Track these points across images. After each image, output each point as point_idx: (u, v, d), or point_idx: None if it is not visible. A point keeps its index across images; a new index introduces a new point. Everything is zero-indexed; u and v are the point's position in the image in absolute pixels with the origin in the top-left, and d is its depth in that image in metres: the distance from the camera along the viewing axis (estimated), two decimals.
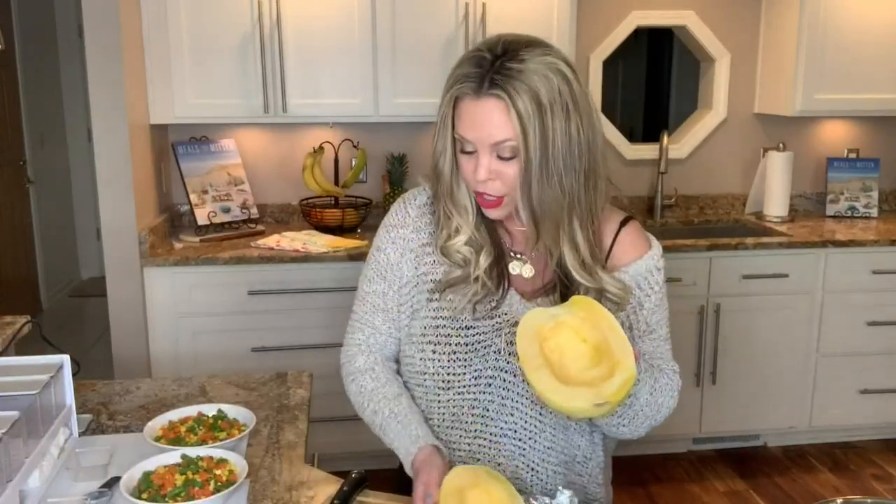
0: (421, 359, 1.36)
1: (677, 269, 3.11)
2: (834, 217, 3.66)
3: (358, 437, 3.18)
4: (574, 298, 1.22)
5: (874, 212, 3.65)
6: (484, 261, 1.31)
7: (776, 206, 3.53)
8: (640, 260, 1.35)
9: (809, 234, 3.31)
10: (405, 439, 1.31)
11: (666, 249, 3.25)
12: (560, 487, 1.22)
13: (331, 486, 1.32)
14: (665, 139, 3.56)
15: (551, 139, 1.18)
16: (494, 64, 1.18)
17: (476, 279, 1.31)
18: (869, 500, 1.67)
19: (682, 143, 3.68)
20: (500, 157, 1.21)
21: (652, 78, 6.31)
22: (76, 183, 5.87)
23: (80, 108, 5.61)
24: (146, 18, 2.93)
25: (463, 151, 1.25)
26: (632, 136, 3.88)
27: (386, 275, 1.40)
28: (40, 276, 5.28)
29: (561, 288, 1.32)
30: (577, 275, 1.29)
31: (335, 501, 1.23)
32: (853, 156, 3.73)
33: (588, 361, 1.12)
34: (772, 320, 3.22)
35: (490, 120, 1.19)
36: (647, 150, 3.66)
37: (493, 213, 1.29)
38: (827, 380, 3.31)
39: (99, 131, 2.78)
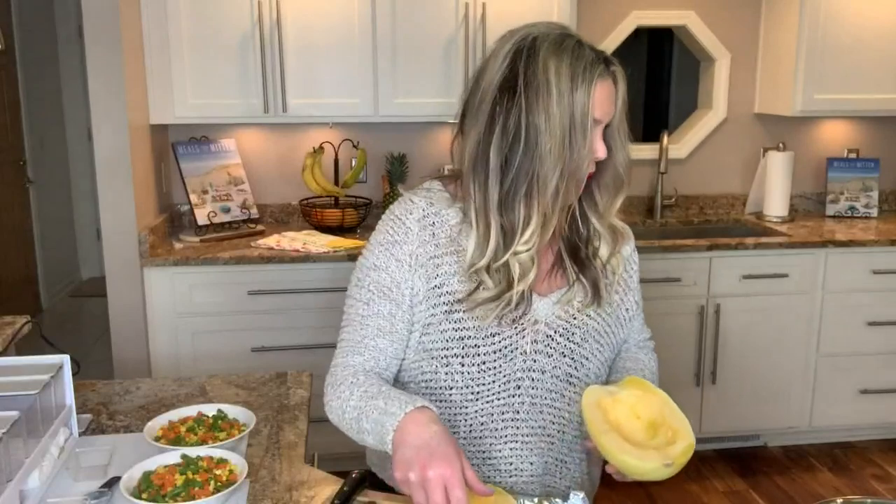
0: (447, 373, 1.30)
1: (677, 269, 3.11)
2: (834, 217, 3.66)
3: None
4: (628, 378, 1.31)
5: (874, 212, 3.65)
6: (531, 277, 1.28)
7: (776, 206, 3.53)
8: (625, 244, 1.42)
9: (809, 234, 3.31)
10: (395, 404, 1.17)
11: (666, 249, 3.26)
12: (573, 490, 1.24)
13: (331, 486, 1.32)
14: (665, 139, 3.56)
15: None
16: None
17: (515, 294, 1.27)
18: (869, 500, 1.67)
19: (682, 143, 3.68)
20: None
21: (652, 78, 6.32)
22: (76, 183, 5.87)
23: (80, 108, 5.61)
24: (146, 18, 2.93)
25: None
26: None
27: (391, 294, 1.30)
28: (40, 276, 5.28)
29: (561, 269, 1.35)
30: (608, 228, 1.35)
31: (335, 501, 1.23)
32: (853, 156, 3.73)
33: (643, 435, 1.23)
34: (772, 320, 3.22)
35: (617, 95, 1.27)
36: (647, 150, 3.65)
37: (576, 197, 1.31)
38: (827, 380, 3.31)
39: (99, 131, 2.78)
